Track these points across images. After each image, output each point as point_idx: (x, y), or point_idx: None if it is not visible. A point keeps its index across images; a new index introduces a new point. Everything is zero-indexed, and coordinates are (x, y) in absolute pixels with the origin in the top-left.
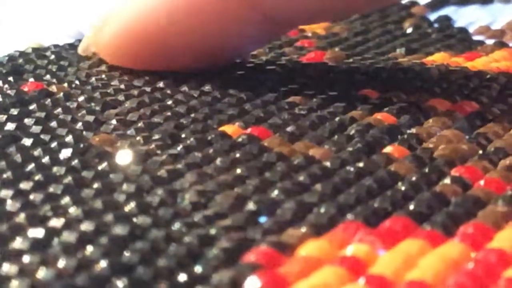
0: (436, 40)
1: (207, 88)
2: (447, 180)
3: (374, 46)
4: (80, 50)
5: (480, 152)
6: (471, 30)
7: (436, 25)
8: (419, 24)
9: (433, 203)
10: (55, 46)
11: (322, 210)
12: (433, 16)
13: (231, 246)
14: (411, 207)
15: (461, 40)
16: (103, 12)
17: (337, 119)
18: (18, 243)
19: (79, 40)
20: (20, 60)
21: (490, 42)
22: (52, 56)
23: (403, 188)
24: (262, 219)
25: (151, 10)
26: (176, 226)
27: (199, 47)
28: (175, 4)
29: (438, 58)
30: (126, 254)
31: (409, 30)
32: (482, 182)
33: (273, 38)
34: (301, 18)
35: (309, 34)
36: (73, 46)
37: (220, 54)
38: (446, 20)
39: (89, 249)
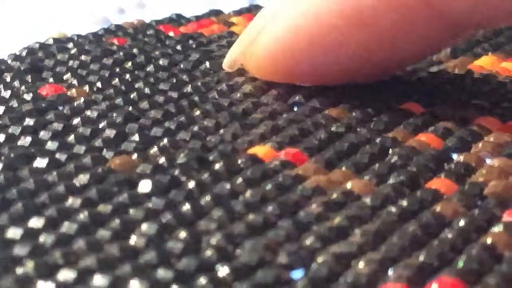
0: (484, 38)
1: (238, 96)
2: (498, 228)
3: None
4: (226, 65)
5: None
6: None
7: None
8: None
9: (484, 259)
10: (78, 36)
11: (361, 265)
12: None
13: None
14: (460, 264)
15: (510, 39)
16: (254, 24)
17: (378, 140)
18: None
19: (104, 29)
20: (40, 54)
21: None
22: (74, 50)
23: (450, 236)
24: (295, 274)
25: (314, 19)
26: (200, 282)
27: (374, 60)
28: (346, 13)
29: (486, 63)
30: None
31: None
32: None
33: (451, 43)
34: (483, 18)
35: None
36: (97, 36)
37: (395, 64)
38: None
39: None
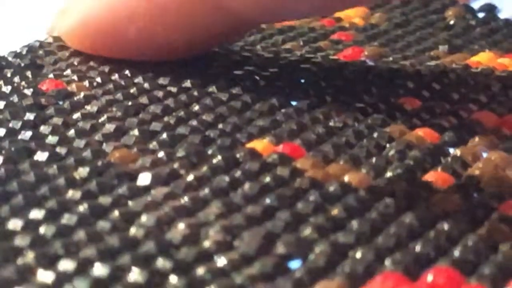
0: (481, 35)
1: (237, 89)
2: (494, 219)
3: (415, 41)
4: (46, 31)
5: None
6: None
7: (480, 15)
8: (463, 14)
9: (480, 249)
10: None
11: (359, 255)
12: (476, 4)
13: None
14: (456, 254)
15: (507, 36)
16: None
17: (375, 134)
18: None
19: None
20: (40, 52)
21: None
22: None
23: (446, 228)
24: (293, 264)
25: (111, 4)
26: (199, 272)
27: (161, 42)
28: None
29: (484, 58)
30: None
31: (452, 22)
32: None
33: (236, 36)
34: (264, 17)
35: (347, 25)
36: None
37: (182, 49)
38: (490, 10)
39: None
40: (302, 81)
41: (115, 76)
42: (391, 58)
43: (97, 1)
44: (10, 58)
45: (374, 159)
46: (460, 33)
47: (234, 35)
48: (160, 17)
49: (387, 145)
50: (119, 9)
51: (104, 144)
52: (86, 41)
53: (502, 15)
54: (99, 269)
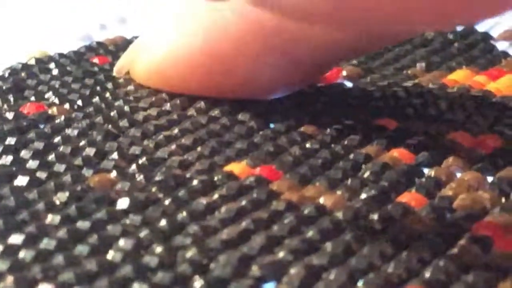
0: (458, 51)
1: (216, 113)
2: (466, 240)
3: (394, 57)
4: (115, 71)
5: (503, 200)
6: (495, 34)
7: (458, 28)
8: None
9: (451, 270)
10: (60, 55)
11: (332, 277)
12: None
13: None
14: (427, 275)
15: (484, 52)
16: (138, 43)
17: (351, 156)
18: None
19: (85, 46)
20: (22, 74)
21: None
22: (56, 70)
23: (418, 249)
24: (268, 287)
25: (178, 52)
26: None
27: (223, 87)
28: (197, 49)
29: (460, 76)
30: None
31: (430, 36)
32: (503, 243)
33: (301, 84)
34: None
35: None
36: (79, 55)
37: (245, 95)
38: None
39: None
40: (281, 104)
41: (96, 99)
42: (368, 79)
43: (187, 38)
44: None
45: (349, 181)
46: (437, 49)
47: (294, 84)
48: (267, 57)
49: (363, 166)
50: (216, 48)
51: (84, 168)
52: (173, 80)
53: (480, 27)
54: None
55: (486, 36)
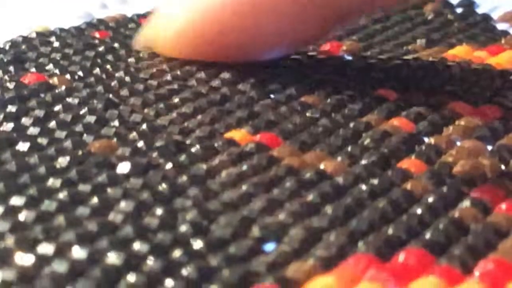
0: (458, 30)
1: (216, 83)
2: (466, 203)
3: (393, 35)
4: (137, 45)
5: (503, 167)
6: (495, 16)
7: (458, 10)
8: (441, 9)
9: (451, 231)
10: (61, 30)
11: (332, 238)
12: None
13: (231, 282)
14: (427, 236)
15: (484, 30)
16: (158, 9)
17: (351, 124)
18: (5, 272)
19: (86, 23)
20: (23, 47)
21: None
22: (57, 43)
23: (419, 212)
24: (268, 247)
25: (212, 7)
26: (175, 254)
27: (271, 42)
28: (228, 9)
29: (460, 52)
30: None
31: (430, 17)
32: (503, 206)
33: (332, 30)
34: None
35: None
36: (79, 30)
37: (278, 45)
38: (468, 5)
39: (80, 282)
40: (281, 75)
41: (96, 70)
42: (369, 53)
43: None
44: None
45: (349, 147)
46: (438, 28)
47: (326, 31)
48: (272, 16)
49: (363, 134)
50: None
51: (85, 134)
52: (191, 47)
53: (480, 10)
54: (78, 252)
55: (486, 17)
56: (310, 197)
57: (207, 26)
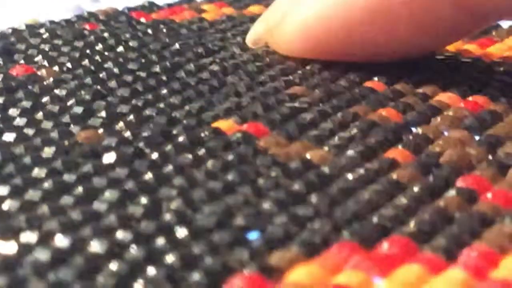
0: None
1: (205, 75)
2: (452, 192)
3: None
4: (250, 42)
5: (490, 157)
6: None
7: None
8: None
9: (435, 220)
10: (51, 22)
11: (316, 226)
12: None
13: (214, 270)
14: (412, 225)
15: None
16: (278, 7)
17: (339, 114)
18: None
19: (76, 15)
20: (12, 39)
21: (506, 25)
22: (46, 35)
23: (404, 201)
24: (251, 236)
25: (333, 11)
26: (158, 243)
27: (383, 43)
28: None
29: (450, 45)
30: (101, 276)
31: None
32: (489, 195)
33: (468, 34)
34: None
35: None
36: (69, 23)
37: (410, 48)
38: None
39: (62, 270)
40: (270, 67)
41: (85, 61)
42: None
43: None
44: None
45: (336, 137)
46: None
47: (462, 34)
48: (405, 17)
49: (351, 124)
50: (341, 15)
51: (72, 125)
52: (309, 46)
53: None
54: (61, 240)
55: None
56: (295, 186)
57: (337, 22)
